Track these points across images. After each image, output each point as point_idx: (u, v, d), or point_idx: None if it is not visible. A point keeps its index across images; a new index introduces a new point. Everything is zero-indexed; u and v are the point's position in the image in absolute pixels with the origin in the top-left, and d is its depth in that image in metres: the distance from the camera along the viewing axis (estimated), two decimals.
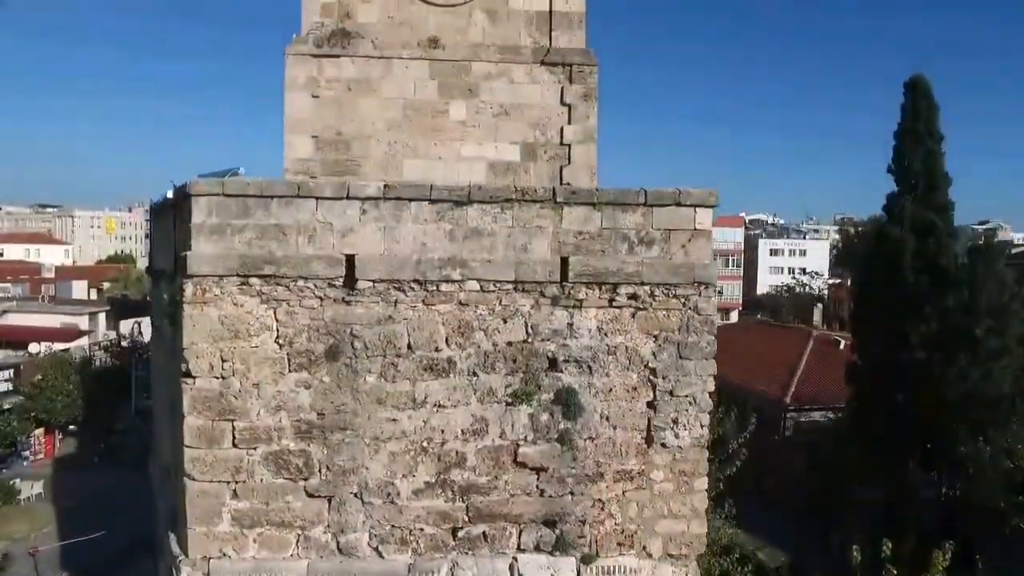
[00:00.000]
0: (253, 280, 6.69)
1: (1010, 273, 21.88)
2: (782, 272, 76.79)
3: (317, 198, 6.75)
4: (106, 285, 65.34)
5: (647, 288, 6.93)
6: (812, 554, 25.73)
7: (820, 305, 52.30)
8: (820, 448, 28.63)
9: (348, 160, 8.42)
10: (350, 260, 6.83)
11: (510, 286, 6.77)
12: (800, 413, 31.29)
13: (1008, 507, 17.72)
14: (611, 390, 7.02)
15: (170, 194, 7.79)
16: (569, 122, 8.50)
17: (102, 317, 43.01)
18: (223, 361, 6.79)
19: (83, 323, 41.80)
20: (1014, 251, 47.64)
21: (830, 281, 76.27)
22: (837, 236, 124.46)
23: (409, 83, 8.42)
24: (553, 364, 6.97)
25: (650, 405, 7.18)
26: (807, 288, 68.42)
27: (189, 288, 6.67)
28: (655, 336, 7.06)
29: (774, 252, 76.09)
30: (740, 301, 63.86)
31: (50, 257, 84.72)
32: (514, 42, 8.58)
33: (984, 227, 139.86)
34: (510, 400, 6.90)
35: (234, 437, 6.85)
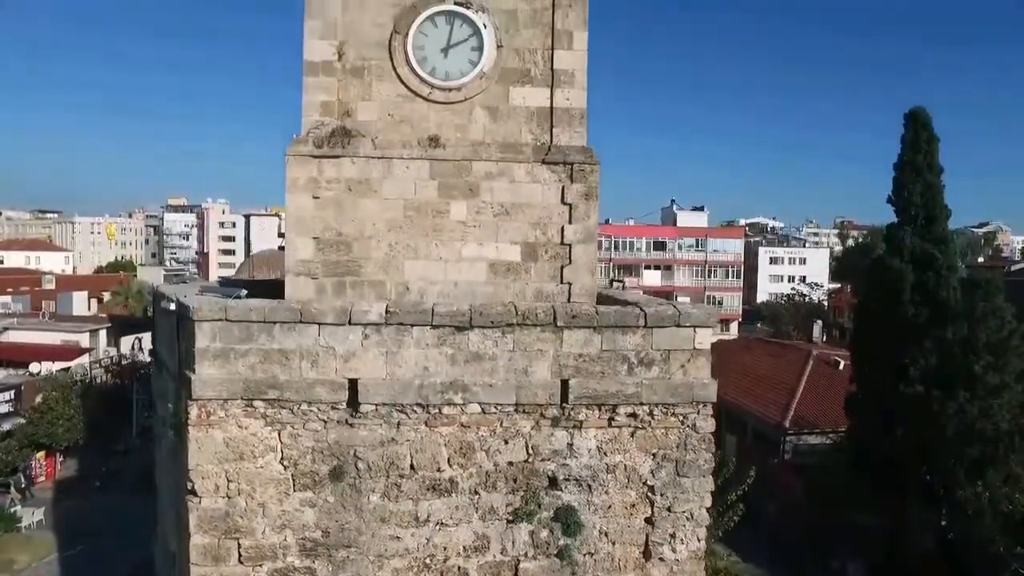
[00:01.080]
0: (257, 403, 6.76)
1: (1010, 309, 21.89)
2: (782, 280, 76.93)
3: (319, 324, 6.81)
4: (106, 296, 65.47)
5: (646, 408, 7.01)
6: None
7: (820, 321, 52.30)
8: (819, 475, 28.77)
9: (349, 261, 8.47)
10: (353, 384, 6.91)
11: (511, 408, 6.84)
12: (799, 436, 31.43)
13: (1007, 551, 17.83)
14: (610, 507, 7.10)
15: (172, 306, 7.84)
16: (570, 221, 8.55)
17: (103, 334, 43.07)
18: (228, 482, 6.86)
19: (84, 340, 41.84)
20: (1014, 267, 47.66)
21: (830, 286, 76.46)
22: (837, 240, 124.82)
23: (410, 183, 8.45)
24: (553, 483, 7.05)
25: (648, 521, 7.26)
26: (807, 298, 68.56)
27: (194, 411, 6.74)
28: (653, 454, 7.14)
29: (774, 260, 76.21)
30: (740, 312, 63.98)
31: (50, 264, 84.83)
32: (515, 139, 8.61)
33: (983, 229, 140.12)
34: (511, 518, 6.98)
35: (240, 555, 6.93)
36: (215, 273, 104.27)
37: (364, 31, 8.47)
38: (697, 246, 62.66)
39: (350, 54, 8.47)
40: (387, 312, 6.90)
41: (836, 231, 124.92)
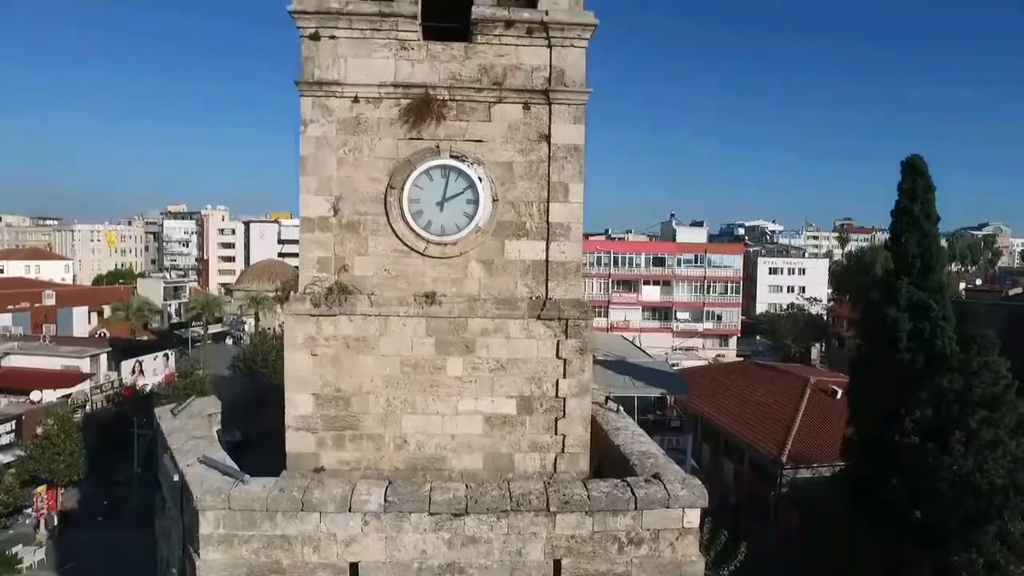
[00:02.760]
0: None
1: (1004, 363, 21.99)
2: (781, 291, 77.09)
3: (321, 512, 6.94)
4: (107, 311, 65.59)
5: None
6: None
7: (818, 345, 52.50)
8: (816, 510, 29.00)
9: (348, 415, 8.57)
10: (354, 568, 7.04)
11: None
12: (796, 470, 31.65)
13: None
14: None
15: (175, 478, 7.95)
16: (564, 376, 8.63)
17: (103, 359, 43.25)
18: None
19: (85, 366, 42.03)
20: (1011, 292, 47.74)
21: (829, 302, 76.63)
22: (837, 243, 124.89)
23: (407, 340, 8.53)
24: None
25: None
26: (805, 310, 68.72)
27: None
28: None
29: (773, 271, 76.36)
30: (739, 327, 64.15)
31: (50, 272, 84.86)
32: (510, 293, 8.68)
33: (983, 231, 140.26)
34: None
35: None
36: (215, 281, 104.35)
37: (359, 186, 8.53)
38: (696, 262, 62.75)
39: (345, 209, 8.54)
40: (386, 500, 7.02)
41: (836, 235, 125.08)
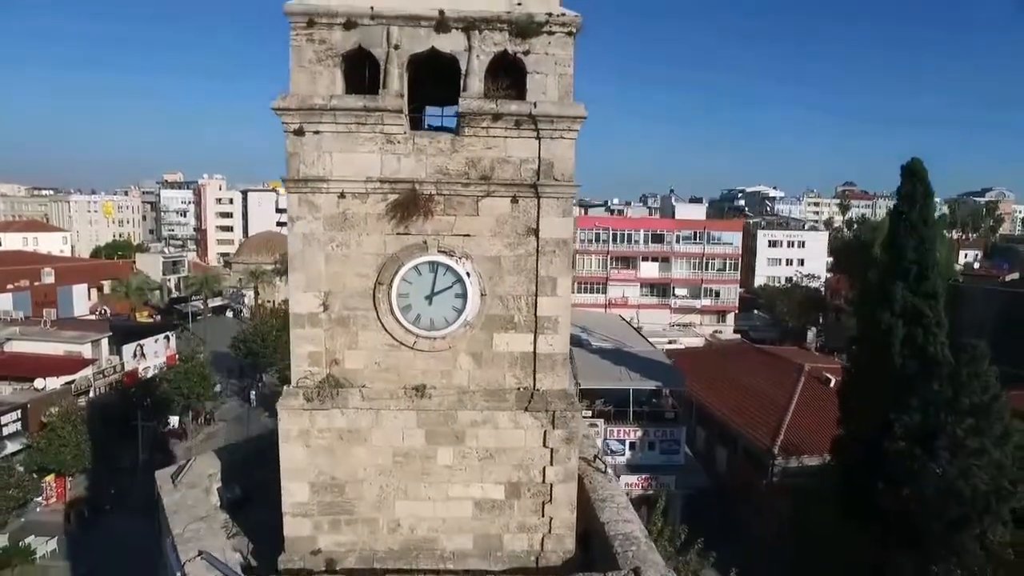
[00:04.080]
0: None
1: (994, 372, 22.28)
2: (780, 264, 77.13)
3: None
4: (106, 287, 65.79)
5: None
6: None
7: (814, 328, 52.83)
8: (805, 501, 29.77)
9: (343, 501, 8.82)
10: None
11: None
12: (787, 459, 32.33)
13: None
14: None
15: (177, 574, 8.22)
16: (551, 463, 8.84)
17: (104, 343, 43.59)
18: None
19: (86, 351, 42.38)
20: (1008, 278, 47.73)
21: (828, 275, 76.65)
22: (838, 210, 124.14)
23: (398, 432, 8.71)
24: None
25: None
26: (804, 285, 68.94)
27: None
28: None
29: (773, 244, 76.23)
30: (736, 304, 64.42)
31: (48, 244, 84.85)
32: (499, 385, 8.82)
33: (986, 197, 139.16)
34: None
35: None
36: (214, 250, 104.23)
37: (348, 282, 8.57)
38: (695, 238, 62.59)
39: (335, 305, 8.60)
40: None
41: (837, 201, 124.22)
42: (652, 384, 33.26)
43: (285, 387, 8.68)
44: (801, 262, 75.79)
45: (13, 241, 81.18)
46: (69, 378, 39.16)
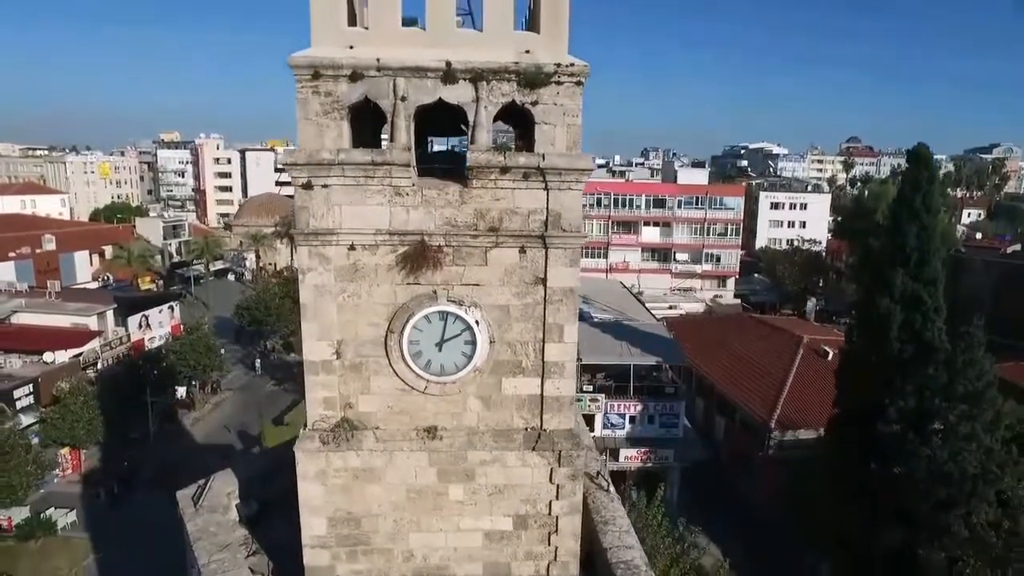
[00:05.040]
0: None
1: (989, 359, 22.62)
2: (782, 226, 76.84)
3: None
4: (107, 252, 65.75)
5: None
6: (786, 570, 28.48)
7: (814, 299, 53.02)
8: (800, 473, 30.69)
9: (359, 534, 9.25)
10: None
11: None
12: (783, 432, 33.13)
13: None
14: None
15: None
16: (557, 497, 9.23)
17: (110, 315, 43.97)
18: None
19: (92, 323, 42.77)
20: (1009, 250, 47.65)
21: (831, 225, 76.37)
22: (841, 167, 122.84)
23: (411, 471, 9.06)
24: None
25: None
26: (806, 247, 68.88)
27: None
28: None
29: (775, 206, 75.75)
30: (737, 269, 64.50)
31: (46, 207, 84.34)
32: (507, 425, 9.12)
33: (993, 154, 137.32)
34: None
35: None
36: (214, 211, 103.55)
37: (359, 331, 8.76)
38: (697, 203, 62.21)
39: (348, 353, 8.82)
40: None
41: (842, 159, 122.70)
42: (653, 359, 33.76)
43: (301, 430, 8.99)
44: (803, 224, 75.53)
45: (11, 204, 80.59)
46: (77, 351, 39.68)
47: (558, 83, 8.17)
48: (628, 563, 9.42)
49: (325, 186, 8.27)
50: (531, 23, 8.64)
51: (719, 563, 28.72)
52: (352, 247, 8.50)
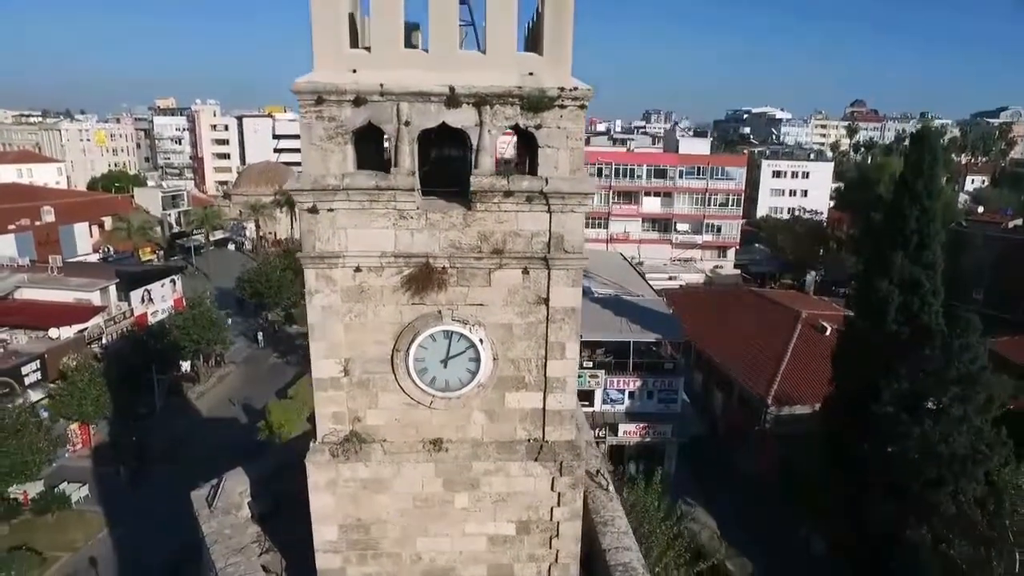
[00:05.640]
0: None
1: (984, 343, 22.95)
2: (783, 194, 76.49)
3: None
4: (107, 222, 65.66)
5: None
6: (780, 542, 29.42)
7: (813, 272, 53.10)
8: (795, 449, 31.42)
9: (369, 539, 9.64)
10: None
11: None
12: (780, 408, 33.74)
13: None
14: None
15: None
16: (558, 504, 9.57)
17: (112, 290, 44.23)
18: None
19: (95, 298, 43.07)
20: (1010, 224, 47.53)
21: (833, 193, 76.06)
22: (845, 132, 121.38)
23: (417, 481, 9.38)
24: None
25: None
26: (807, 216, 68.77)
27: None
28: None
29: (777, 174, 75.27)
30: (738, 240, 64.48)
31: (43, 176, 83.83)
32: (510, 437, 9.42)
33: (1000, 118, 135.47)
34: None
35: None
36: (212, 179, 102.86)
37: (366, 349, 8.97)
38: (698, 173, 61.80)
39: (355, 370, 9.04)
40: None
41: (846, 123, 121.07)
42: (652, 336, 34.14)
43: (312, 443, 9.29)
44: (805, 193, 75.21)
45: (7, 174, 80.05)
46: (81, 326, 40.06)
47: (562, 106, 8.20)
48: (626, 565, 9.85)
49: (331, 210, 8.37)
50: (533, 42, 8.61)
51: (714, 535, 29.70)
52: (358, 269, 8.65)
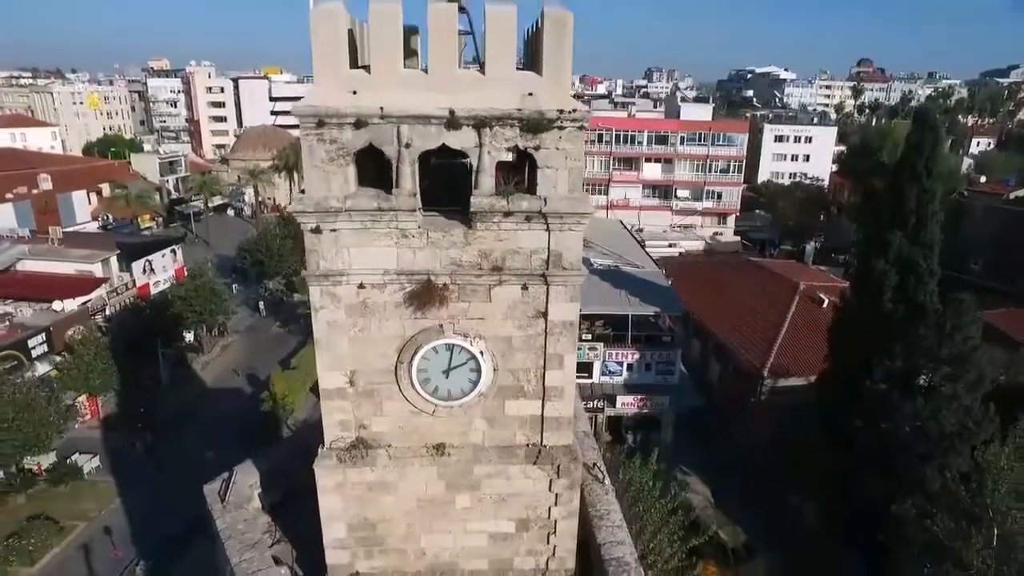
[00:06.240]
0: None
1: (978, 322, 23.24)
2: (785, 159, 75.82)
3: None
4: (105, 189, 65.29)
5: None
6: (773, 511, 30.41)
7: (813, 242, 53.05)
8: (790, 420, 32.10)
9: (375, 536, 10.13)
10: None
11: None
12: (776, 380, 34.34)
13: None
14: None
15: None
16: (555, 504, 10.02)
17: (114, 261, 44.43)
18: None
19: (97, 270, 43.31)
20: (1012, 195, 47.25)
21: (836, 156, 75.43)
22: (850, 92, 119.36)
23: (421, 484, 9.80)
24: None
25: None
26: (808, 181, 68.40)
27: None
28: None
29: (779, 139, 74.46)
30: (738, 206, 64.20)
31: (37, 140, 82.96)
32: (510, 442, 9.80)
33: (1011, 77, 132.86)
34: None
35: None
36: (209, 142, 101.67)
37: (371, 361, 9.26)
38: (699, 140, 61.14)
39: (360, 381, 9.36)
40: None
41: (851, 84, 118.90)
42: (651, 309, 34.50)
43: (320, 448, 9.68)
44: (807, 158, 74.57)
45: (1, 138, 79.22)
46: (84, 299, 40.41)
47: (560, 128, 8.29)
48: (619, 560, 10.36)
49: (334, 230, 8.55)
50: (532, 62, 8.63)
51: (708, 504, 30.66)
52: (362, 286, 8.88)
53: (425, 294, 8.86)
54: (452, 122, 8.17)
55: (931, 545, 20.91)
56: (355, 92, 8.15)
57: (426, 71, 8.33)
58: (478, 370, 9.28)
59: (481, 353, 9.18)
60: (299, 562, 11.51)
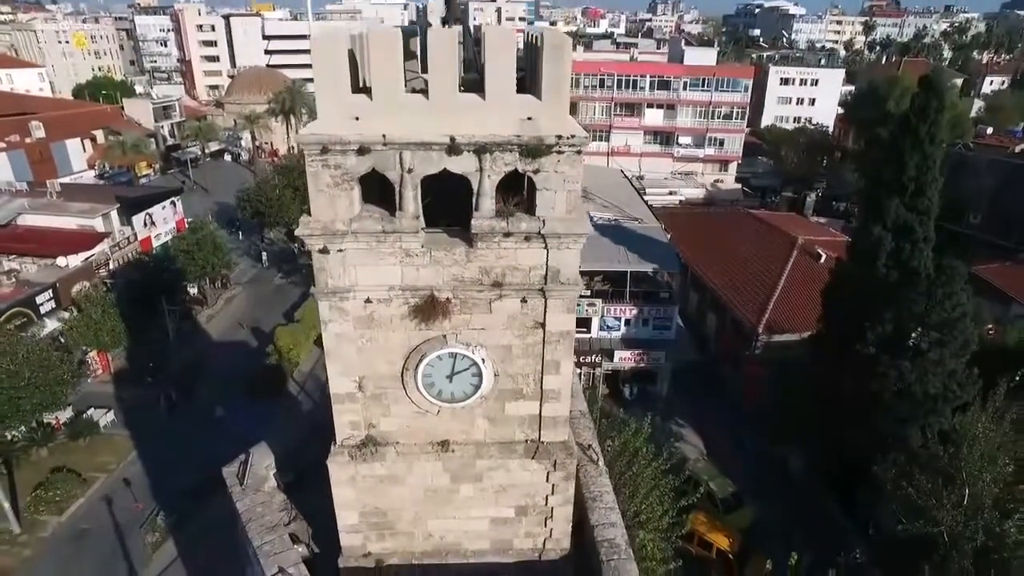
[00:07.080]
0: None
1: (968, 290, 23.66)
2: (790, 103, 74.31)
3: None
4: (98, 136, 64.40)
5: None
6: (761, 461, 31.79)
7: (813, 194, 52.68)
8: (781, 380, 33.01)
9: (386, 522, 10.94)
10: None
11: None
12: (770, 336, 35.12)
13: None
14: None
15: None
16: (552, 493, 10.77)
17: (114, 215, 44.47)
18: None
19: (98, 224, 43.41)
20: (1018, 148, 46.57)
21: (843, 98, 73.99)
22: (860, 28, 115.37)
23: (427, 476, 10.51)
24: None
25: None
26: (812, 127, 67.34)
27: None
28: None
29: (785, 81, 72.73)
30: (739, 154, 63.39)
31: (24, 82, 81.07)
32: (510, 438, 10.45)
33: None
34: None
35: None
36: (202, 83, 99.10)
37: (378, 368, 9.79)
38: (703, 85, 59.77)
39: (369, 386, 9.92)
40: None
41: (863, 19, 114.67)
42: (649, 267, 34.90)
43: (332, 446, 10.35)
44: (812, 102, 73.11)
45: None
46: (88, 254, 40.76)
47: (559, 152, 8.51)
48: (611, 541, 11.24)
49: (340, 251, 8.90)
50: (531, 85, 8.73)
51: (700, 455, 32.01)
52: (368, 300, 9.30)
53: (429, 308, 9.29)
54: (453, 148, 8.39)
55: (907, 502, 22.13)
56: (357, 118, 8.33)
57: (426, 91, 8.46)
58: (480, 375, 9.82)
59: (483, 360, 9.70)
60: (315, 539, 12.44)
